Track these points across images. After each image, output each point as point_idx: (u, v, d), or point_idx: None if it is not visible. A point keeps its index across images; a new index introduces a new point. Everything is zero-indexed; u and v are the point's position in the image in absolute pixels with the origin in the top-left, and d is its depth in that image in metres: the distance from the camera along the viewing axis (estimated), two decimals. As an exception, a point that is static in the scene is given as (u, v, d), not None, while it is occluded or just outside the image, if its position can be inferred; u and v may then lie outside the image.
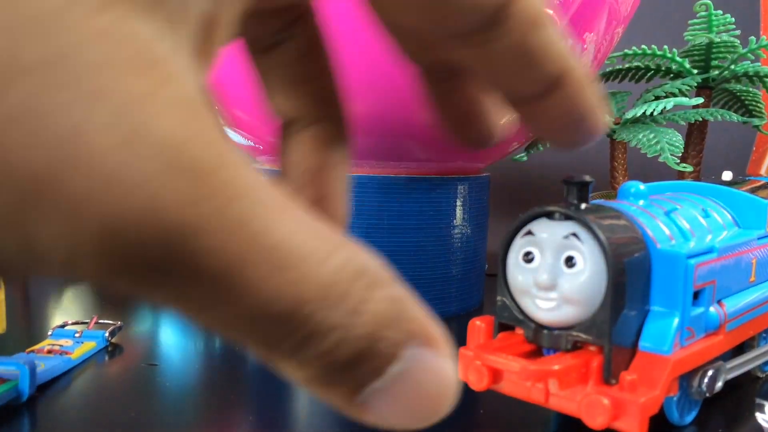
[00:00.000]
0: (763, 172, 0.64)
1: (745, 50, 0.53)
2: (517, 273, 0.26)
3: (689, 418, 0.29)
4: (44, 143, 0.10)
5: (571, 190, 0.26)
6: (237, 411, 0.31)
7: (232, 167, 0.11)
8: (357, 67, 0.39)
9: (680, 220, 0.28)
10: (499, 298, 0.27)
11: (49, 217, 0.10)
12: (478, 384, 0.27)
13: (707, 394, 0.28)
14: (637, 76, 0.60)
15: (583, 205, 0.25)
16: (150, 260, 0.11)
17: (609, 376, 0.25)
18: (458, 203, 0.47)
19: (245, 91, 0.43)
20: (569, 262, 0.25)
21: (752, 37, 0.53)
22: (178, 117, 0.11)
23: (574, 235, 0.25)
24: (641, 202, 0.28)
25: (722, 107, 0.59)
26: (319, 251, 0.12)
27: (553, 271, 0.25)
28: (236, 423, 0.30)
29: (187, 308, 0.11)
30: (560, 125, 0.21)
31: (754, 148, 0.66)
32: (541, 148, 0.55)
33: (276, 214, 0.12)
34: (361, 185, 0.44)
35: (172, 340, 0.42)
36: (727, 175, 0.36)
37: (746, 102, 0.57)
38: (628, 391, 0.24)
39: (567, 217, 0.25)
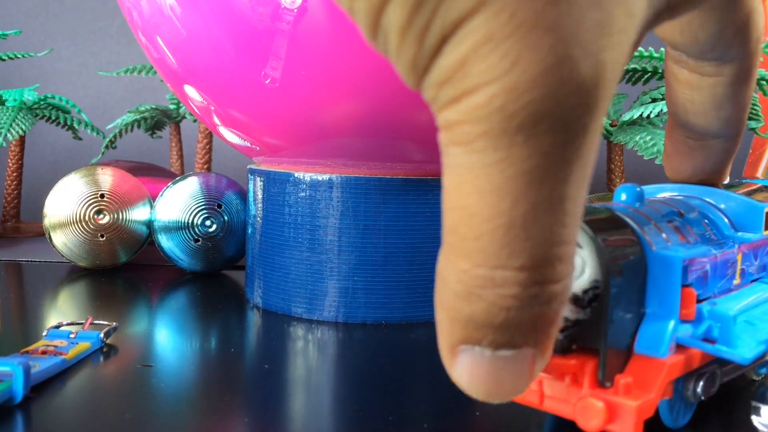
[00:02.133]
0: (759, 174, 0.64)
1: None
2: None
3: (684, 421, 0.29)
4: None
5: None
6: (232, 412, 0.31)
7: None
8: (354, 67, 0.39)
9: (677, 223, 0.28)
10: None
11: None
12: None
13: (702, 398, 0.28)
14: (633, 79, 0.60)
15: None
16: (574, 94, 0.15)
17: (604, 378, 0.24)
18: (455, 205, 0.47)
19: (241, 90, 0.43)
20: None
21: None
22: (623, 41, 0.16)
23: None
24: (637, 205, 0.28)
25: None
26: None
27: None
28: (232, 425, 0.30)
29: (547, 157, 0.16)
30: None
31: (751, 151, 0.66)
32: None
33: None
34: (357, 186, 0.44)
35: (168, 341, 0.42)
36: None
37: (743, 104, 0.57)
38: (623, 394, 0.24)
39: None
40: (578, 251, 0.24)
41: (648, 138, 0.48)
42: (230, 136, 0.48)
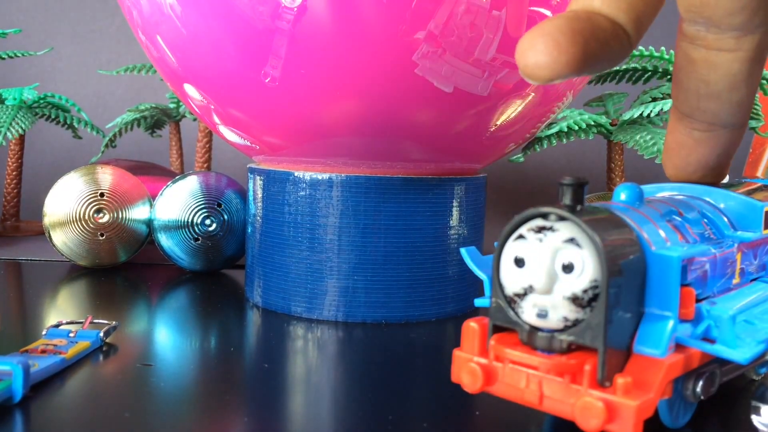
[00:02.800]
0: (759, 173, 0.64)
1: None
2: (511, 275, 0.26)
3: (684, 421, 0.29)
4: None
5: (565, 192, 0.25)
6: (232, 412, 0.31)
7: None
8: (354, 66, 0.39)
9: (676, 223, 0.28)
10: (492, 299, 0.27)
11: None
12: (473, 386, 0.27)
13: (702, 397, 0.28)
14: (634, 78, 0.60)
15: (578, 207, 0.25)
16: None
17: (603, 378, 0.24)
18: (455, 204, 0.47)
19: (241, 89, 0.43)
20: (567, 268, 0.24)
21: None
22: None
23: (572, 240, 0.24)
24: (636, 204, 0.28)
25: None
26: None
27: (549, 275, 0.25)
28: (231, 424, 0.30)
29: None
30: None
31: (751, 150, 0.66)
32: (538, 149, 0.55)
33: None
34: (357, 185, 0.44)
35: (167, 340, 0.42)
36: None
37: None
38: (622, 394, 0.24)
39: (561, 219, 0.25)
40: (577, 251, 0.24)
41: (648, 137, 0.47)
42: (230, 135, 0.48)
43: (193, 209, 0.57)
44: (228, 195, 0.58)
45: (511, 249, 0.26)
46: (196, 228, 0.57)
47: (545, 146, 0.54)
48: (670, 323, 0.25)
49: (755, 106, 0.57)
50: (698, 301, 0.27)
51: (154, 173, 0.70)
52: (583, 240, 0.24)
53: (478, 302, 0.29)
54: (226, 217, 0.58)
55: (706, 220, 0.30)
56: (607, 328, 0.24)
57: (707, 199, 0.32)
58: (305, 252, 0.46)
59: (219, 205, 0.58)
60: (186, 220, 0.57)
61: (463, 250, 0.30)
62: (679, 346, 0.26)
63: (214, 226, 0.58)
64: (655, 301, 0.26)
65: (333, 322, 0.45)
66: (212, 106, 0.46)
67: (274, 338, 0.43)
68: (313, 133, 0.43)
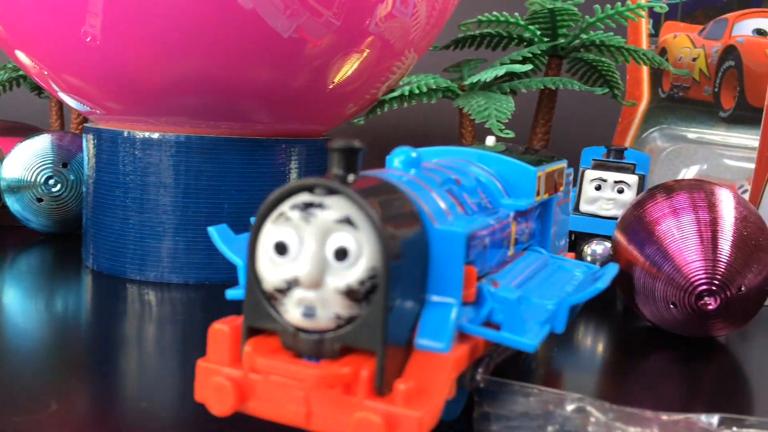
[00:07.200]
0: (627, 143, 0.64)
1: (593, 19, 0.52)
2: (271, 266, 0.21)
3: (458, 411, 0.25)
4: None
5: (335, 159, 0.21)
6: (59, 378, 0.30)
7: None
8: (181, 20, 0.37)
9: (455, 192, 0.25)
10: (248, 295, 0.22)
11: None
12: (221, 408, 0.22)
13: (481, 385, 0.24)
14: (492, 44, 0.59)
15: (351, 177, 0.21)
16: None
17: (382, 386, 0.20)
18: (291, 165, 0.45)
19: (62, 51, 0.40)
20: (339, 254, 0.20)
21: (597, 6, 0.52)
22: None
23: (346, 219, 0.20)
24: (413, 171, 0.25)
25: (581, 77, 0.59)
26: None
27: (319, 264, 0.20)
28: (57, 389, 0.28)
29: None
30: None
31: (620, 119, 0.66)
32: (379, 113, 0.53)
33: None
34: (178, 145, 0.43)
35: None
36: (490, 140, 0.34)
37: (603, 72, 0.57)
38: (403, 403, 0.20)
39: (332, 192, 0.21)
40: (352, 233, 0.20)
41: (482, 102, 0.46)
42: (69, 101, 0.46)
43: (37, 169, 0.55)
44: (80, 156, 0.56)
45: (271, 232, 0.21)
46: (39, 188, 0.55)
47: (386, 109, 0.53)
48: (454, 311, 0.22)
49: (614, 75, 0.56)
50: (478, 279, 0.24)
51: (23, 134, 0.66)
52: (359, 218, 0.20)
53: (231, 294, 0.25)
54: (72, 177, 0.55)
55: (481, 188, 0.28)
56: (387, 326, 0.20)
57: (482, 165, 0.29)
58: (132, 213, 0.44)
59: (65, 165, 0.55)
60: (29, 179, 0.55)
61: (210, 230, 0.26)
62: (462, 334, 0.23)
63: (58, 186, 0.55)
64: (438, 286, 0.22)
65: (159, 284, 0.44)
66: (45, 72, 0.44)
67: (102, 301, 0.42)
68: (134, 93, 0.41)
